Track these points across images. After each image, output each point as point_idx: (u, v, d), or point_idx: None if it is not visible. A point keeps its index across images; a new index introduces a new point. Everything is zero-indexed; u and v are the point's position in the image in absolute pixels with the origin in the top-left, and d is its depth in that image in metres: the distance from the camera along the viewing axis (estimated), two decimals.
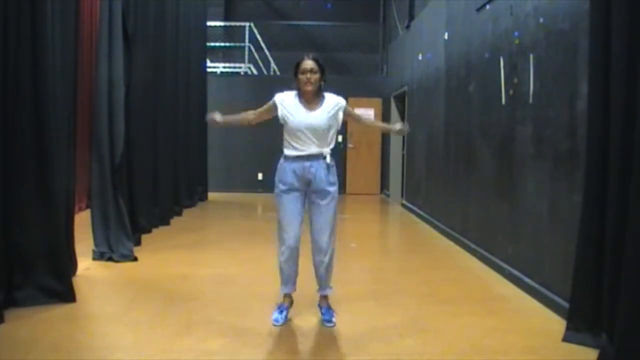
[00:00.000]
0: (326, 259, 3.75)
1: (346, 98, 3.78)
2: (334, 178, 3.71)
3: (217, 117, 3.76)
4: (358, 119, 4.08)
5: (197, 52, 10.30)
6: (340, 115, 3.70)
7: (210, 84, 11.44)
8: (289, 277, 3.80)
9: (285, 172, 3.68)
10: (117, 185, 5.73)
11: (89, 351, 3.37)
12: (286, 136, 3.70)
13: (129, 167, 6.24)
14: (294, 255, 3.72)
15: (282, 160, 3.73)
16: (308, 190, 3.69)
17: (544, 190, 4.53)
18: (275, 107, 3.70)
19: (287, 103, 3.67)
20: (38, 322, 3.71)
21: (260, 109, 3.82)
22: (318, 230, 3.70)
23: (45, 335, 3.48)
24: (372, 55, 14.00)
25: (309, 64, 3.62)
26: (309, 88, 3.61)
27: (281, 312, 3.81)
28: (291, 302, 3.90)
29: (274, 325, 3.73)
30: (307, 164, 3.63)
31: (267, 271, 4.75)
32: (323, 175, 3.65)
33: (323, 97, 3.70)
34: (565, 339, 3.53)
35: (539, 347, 3.52)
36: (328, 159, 3.67)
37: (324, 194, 3.67)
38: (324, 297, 3.89)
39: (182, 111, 9.16)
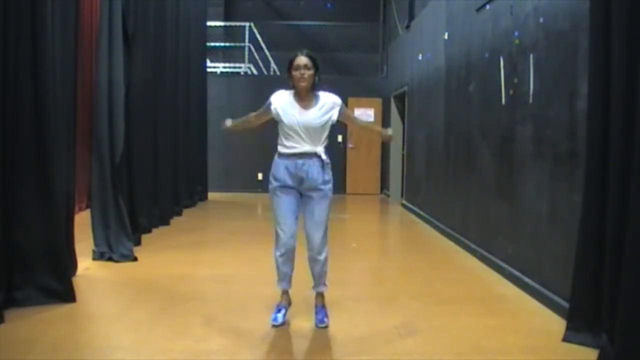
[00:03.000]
0: (320, 257, 3.72)
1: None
2: (328, 176, 3.69)
3: (228, 122, 3.88)
4: (353, 121, 4.07)
5: (197, 52, 10.30)
6: (336, 115, 3.68)
7: (210, 84, 11.44)
8: (285, 274, 3.80)
9: (279, 169, 3.68)
10: (117, 185, 5.73)
11: (89, 351, 3.37)
12: (280, 134, 3.70)
13: (129, 167, 6.24)
14: (289, 252, 3.71)
15: (276, 157, 3.73)
16: (301, 188, 3.68)
17: (544, 190, 4.53)
18: (270, 105, 3.70)
19: (281, 101, 3.67)
20: (38, 322, 3.71)
21: (259, 110, 3.83)
22: (311, 228, 3.69)
23: (45, 335, 3.48)
24: (372, 55, 13.99)
25: (302, 59, 3.61)
26: (303, 84, 3.60)
27: (279, 311, 3.81)
28: (289, 303, 3.89)
29: (273, 325, 3.72)
30: (300, 161, 3.63)
31: (267, 271, 4.74)
32: (316, 173, 3.64)
33: (318, 95, 3.68)
34: (565, 339, 3.53)
35: (539, 347, 3.52)
36: (323, 156, 3.65)
37: (317, 191, 3.67)
38: (319, 296, 3.87)
39: (182, 111, 9.16)
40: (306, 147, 3.63)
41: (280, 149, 3.70)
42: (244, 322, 3.86)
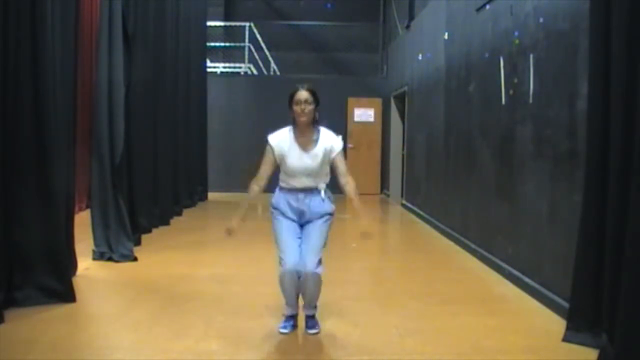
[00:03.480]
0: (312, 278, 3.53)
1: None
2: (330, 208, 3.66)
3: (234, 222, 3.64)
4: (340, 174, 3.70)
5: (197, 52, 10.30)
6: (332, 156, 3.60)
7: (210, 84, 11.44)
8: (290, 298, 3.67)
9: (279, 201, 3.66)
10: (117, 185, 5.73)
11: (89, 351, 3.37)
12: (282, 171, 3.67)
13: (129, 167, 6.24)
14: (294, 277, 3.55)
15: (277, 190, 3.72)
16: (302, 221, 3.64)
17: (544, 190, 4.53)
18: (271, 148, 3.63)
19: (281, 145, 3.62)
20: (38, 322, 3.71)
21: (262, 168, 3.68)
22: (305, 250, 3.57)
23: (45, 335, 3.48)
24: (372, 55, 14.00)
25: (303, 94, 3.57)
26: (303, 119, 3.57)
27: (288, 321, 3.72)
28: (297, 314, 3.79)
29: (281, 332, 3.65)
30: (302, 195, 3.61)
31: (267, 271, 4.74)
32: (318, 206, 3.62)
33: (318, 132, 3.64)
34: (565, 339, 3.53)
35: (539, 347, 3.52)
36: (322, 194, 3.62)
37: (318, 218, 3.63)
38: (309, 316, 3.76)
39: (182, 111, 9.17)
40: (308, 183, 3.62)
41: (282, 184, 3.69)
42: (243, 322, 3.86)
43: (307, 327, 3.71)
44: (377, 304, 4.44)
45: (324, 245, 3.63)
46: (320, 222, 3.61)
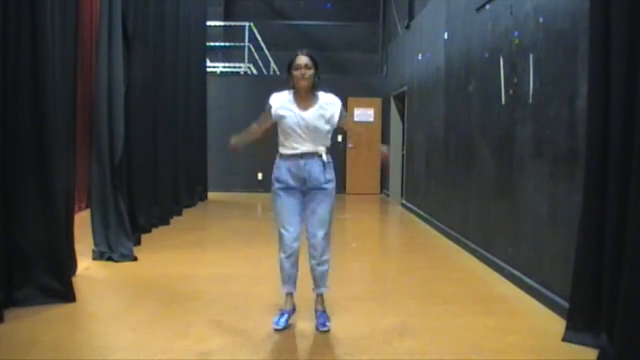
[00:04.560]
0: (322, 258, 3.70)
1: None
2: (330, 175, 3.69)
3: (233, 140, 3.81)
4: (349, 130, 4.04)
5: (197, 52, 10.30)
6: (337, 118, 3.67)
7: (210, 84, 11.44)
8: (289, 277, 3.77)
9: (281, 170, 3.68)
10: (117, 185, 5.73)
11: (89, 351, 3.37)
12: (281, 135, 3.69)
13: (129, 167, 6.24)
14: (295, 253, 3.70)
15: (277, 158, 3.73)
16: (305, 188, 3.67)
17: (544, 190, 4.53)
18: (270, 107, 3.68)
19: (280, 102, 3.66)
20: (38, 322, 3.71)
21: (260, 118, 3.79)
22: (314, 227, 3.67)
23: (45, 335, 3.48)
24: (372, 55, 14.00)
25: (303, 59, 3.60)
26: (304, 84, 3.58)
27: (282, 315, 3.76)
28: (294, 309, 3.85)
29: (275, 328, 3.69)
30: (302, 162, 3.62)
31: (267, 271, 4.75)
32: (318, 173, 3.63)
33: (317, 95, 3.66)
34: (565, 339, 3.53)
35: (539, 347, 3.52)
36: (324, 157, 3.65)
37: (320, 190, 3.66)
38: (320, 298, 3.83)
39: (182, 111, 9.16)
40: (308, 148, 3.62)
41: (282, 150, 3.69)
42: (243, 322, 3.86)
43: (319, 324, 3.73)
44: (377, 304, 4.44)
45: (332, 220, 3.71)
46: (323, 196, 3.66)
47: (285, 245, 3.68)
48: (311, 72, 3.60)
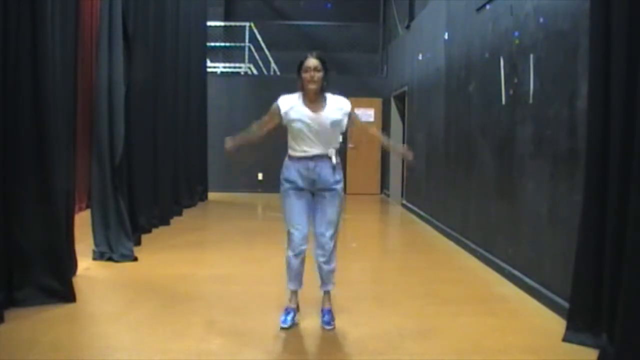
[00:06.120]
0: (329, 257, 3.72)
1: (346, 98, 3.76)
2: (339, 176, 3.71)
3: (229, 142, 3.77)
4: (364, 129, 4.08)
5: (197, 52, 10.30)
6: (345, 120, 3.67)
7: (210, 84, 11.44)
8: (296, 275, 3.77)
9: (290, 171, 3.68)
10: (117, 185, 5.73)
11: (89, 351, 3.37)
12: (290, 138, 3.69)
13: (129, 167, 6.24)
14: (303, 252, 3.70)
15: (286, 159, 3.73)
16: (314, 189, 3.68)
17: (544, 190, 4.53)
18: (278, 110, 3.65)
19: (290, 105, 3.64)
20: (38, 322, 3.71)
21: (263, 118, 3.77)
22: (322, 227, 3.68)
23: (45, 335, 3.48)
24: (372, 55, 14.00)
25: (312, 62, 3.60)
26: (313, 86, 3.58)
27: (288, 314, 3.77)
28: (298, 307, 3.86)
29: (282, 327, 3.69)
30: (312, 164, 3.63)
31: (268, 271, 4.75)
32: (328, 175, 3.65)
33: (326, 97, 3.66)
34: (565, 339, 3.53)
35: (539, 347, 3.52)
36: (334, 159, 3.66)
37: (329, 191, 3.67)
38: (327, 296, 3.85)
39: (182, 111, 9.16)
40: (317, 150, 3.63)
41: (291, 152, 3.69)
42: (244, 322, 3.86)
43: (323, 322, 3.76)
44: (377, 304, 4.44)
45: (339, 219, 3.74)
46: (332, 196, 3.67)
47: (294, 243, 3.68)
48: (320, 75, 3.59)
